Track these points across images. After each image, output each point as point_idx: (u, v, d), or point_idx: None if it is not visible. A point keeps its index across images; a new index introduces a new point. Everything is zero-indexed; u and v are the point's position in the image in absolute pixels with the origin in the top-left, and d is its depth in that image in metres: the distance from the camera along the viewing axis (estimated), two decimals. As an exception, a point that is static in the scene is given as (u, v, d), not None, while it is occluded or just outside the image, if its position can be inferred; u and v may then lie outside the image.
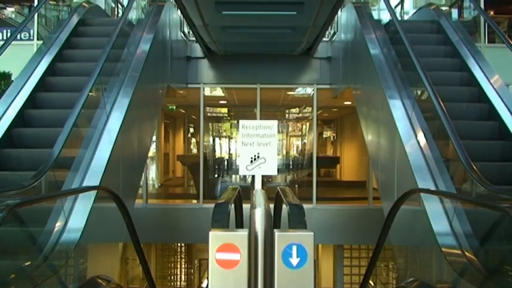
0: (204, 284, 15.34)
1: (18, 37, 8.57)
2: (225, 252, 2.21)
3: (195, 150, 16.38)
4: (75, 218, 4.43)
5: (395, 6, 9.62)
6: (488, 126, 5.73)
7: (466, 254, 3.95)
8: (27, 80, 6.22)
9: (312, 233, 2.23)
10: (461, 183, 4.66)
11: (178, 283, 15.49)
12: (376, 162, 6.86)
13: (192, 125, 16.58)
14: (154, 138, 12.98)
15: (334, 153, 17.26)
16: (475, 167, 4.20)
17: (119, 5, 10.63)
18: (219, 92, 12.65)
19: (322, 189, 11.25)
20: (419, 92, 5.86)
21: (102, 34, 7.35)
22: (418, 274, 5.17)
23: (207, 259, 2.26)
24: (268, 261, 2.27)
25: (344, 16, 9.09)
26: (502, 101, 5.81)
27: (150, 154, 12.18)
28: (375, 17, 8.24)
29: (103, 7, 9.95)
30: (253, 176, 4.11)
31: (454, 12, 8.71)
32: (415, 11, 9.83)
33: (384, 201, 6.33)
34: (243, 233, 2.25)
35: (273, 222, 2.60)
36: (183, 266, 15.47)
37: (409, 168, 5.05)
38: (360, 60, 7.82)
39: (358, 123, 8.23)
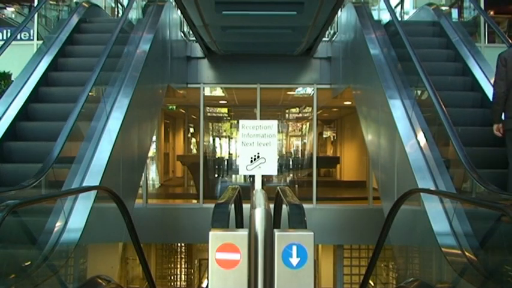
0: (204, 284, 15.33)
1: (18, 37, 8.57)
2: (225, 252, 2.21)
3: (195, 150, 16.38)
4: (75, 218, 4.43)
5: (395, 6, 9.62)
6: (471, 96, 6.19)
7: (466, 254, 3.95)
8: (27, 80, 6.23)
9: (312, 233, 2.23)
10: (461, 183, 4.66)
11: (178, 283, 15.50)
12: (376, 162, 6.86)
13: (192, 125, 16.57)
14: (154, 138, 12.98)
15: (334, 153, 17.26)
16: (474, 167, 4.21)
17: (119, 5, 10.63)
18: (219, 92, 12.65)
19: (322, 189, 11.25)
20: (419, 92, 5.86)
21: (102, 35, 7.35)
22: (418, 274, 5.17)
23: (207, 259, 2.26)
24: (268, 261, 2.27)
25: (344, 16, 9.09)
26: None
27: (150, 154, 12.18)
28: (375, 17, 8.24)
29: (103, 7, 9.95)
30: (253, 176, 4.11)
31: (454, 12, 8.72)
32: (415, 11, 9.83)
33: (384, 201, 6.33)
34: (243, 233, 2.25)
35: (273, 222, 2.60)
36: (183, 266, 15.48)
37: (409, 168, 5.05)
38: (360, 60, 7.83)
39: (358, 123, 8.23)
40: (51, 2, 9.77)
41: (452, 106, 5.35)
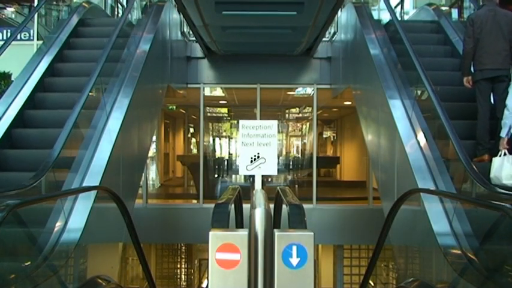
0: (204, 284, 15.34)
1: (18, 37, 8.58)
2: (225, 252, 2.21)
3: (195, 150, 16.38)
4: (75, 218, 4.43)
5: (395, 6, 9.62)
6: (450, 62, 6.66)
7: (466, 254, 3.95)
8: (27, 80, 6.23)
9: (312, 233, 2.23)
10: (461, 181, 4.67)
11: (178, 283, 15.49)
12: (376, 162, 6.86)
13: (192, 125, 16.58)
14: (154, 138, 12.98)
15: (334, 153, 17.25)
16: (474, 167, 4.21)
17: (119, 5, 10.64)
18: (219, 92, 12.65)
19: (322, 189, 11.24)
20: (419, 92, 5.86)
21: (102, 34, 7.35)
22: (418, 274, 5.17)
23: (207, 259, 2.27)
24: (268, 261, 2.27)
25: (344, 16, 9.09)
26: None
27: (150, 154, 12.18)
28: (375, 17, 8.24)
29: (103, 7, 9.95)
30: (253, 176, 4.11)
31: (454, 12, 8.71)
32: (415, 11, 9.83)
33: (384, 201, 6.33)
34: (243, 233, 2.25)
35: (273, 222, 2.60)
36: (183, 266, 15.47)
37: (409, 168, 5.05)
38: (360, 60, 7.83)
39: (358, 123, 8.23)
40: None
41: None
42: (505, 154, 4.54)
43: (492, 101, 5.34)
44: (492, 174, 4.53)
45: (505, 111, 4.77)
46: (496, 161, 4.56)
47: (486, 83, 5.29)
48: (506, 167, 4.44)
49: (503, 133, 4.72)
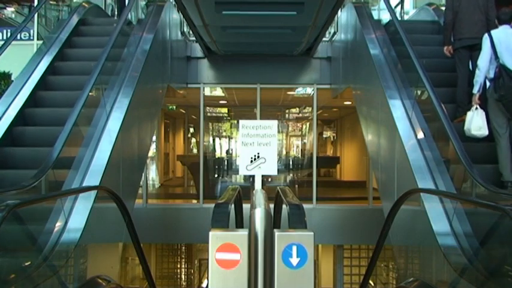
0: (204, 284, 15.34)
1: (18, 37, 8.58)
2: (225, 252, 2.21)
3: (195, 150, 16.38)
4: (75, 218, 4.43)
5: (395, 6, 9.62)
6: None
7: (466, 254, 3.95)
8: (27, 80, 6.23)
9: (312, 233, 2.23)
10: (461, 182, 4.67)
11: (178, 283, 15.49)
12: (376, 162, 6.86)
13: (192, 125, 16.57)
14: (154, 138, 12.98)
15: (334, 153, 17.25)
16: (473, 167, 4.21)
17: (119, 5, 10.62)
18: (219, 92, 12.65)
19: (322, 189, 11.24)
20: (419, 92, 5.86)
21: (102, 34, 7.35)
22: (418, 274, 5.17)
23: (207, 259, 2.26)
24: (268, 261, 2.27)
25: (344, 16, 9.09)
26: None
27: (150, 154, 12.18)
28: (375, 17, 8.23)
29: (103, 7, 9.96)
30: (253, 176, 4.11)
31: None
32: (415, 11, 9.83)
33: (384, 201, 6.33)
34: (243, 233, 2.25)
35: (273, 222, 2.60)
36: (183, 266, 15.47)
37: (409, 168, 5.05)
38: (360, 60, 7.82)
39: (358, 123, 8.22)
40: (51, 2, 9.79)
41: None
42: (476, 109, 5.03)
43: (471, 67, 5.78)
44: (465, 127, 5.06)
45: (476, 71, 5.17)
46: (469, 115, 5.08)
47: (465, 51, 5.88)
48: (475, 120, 4.98)
49: (475, 90, 5.15)
